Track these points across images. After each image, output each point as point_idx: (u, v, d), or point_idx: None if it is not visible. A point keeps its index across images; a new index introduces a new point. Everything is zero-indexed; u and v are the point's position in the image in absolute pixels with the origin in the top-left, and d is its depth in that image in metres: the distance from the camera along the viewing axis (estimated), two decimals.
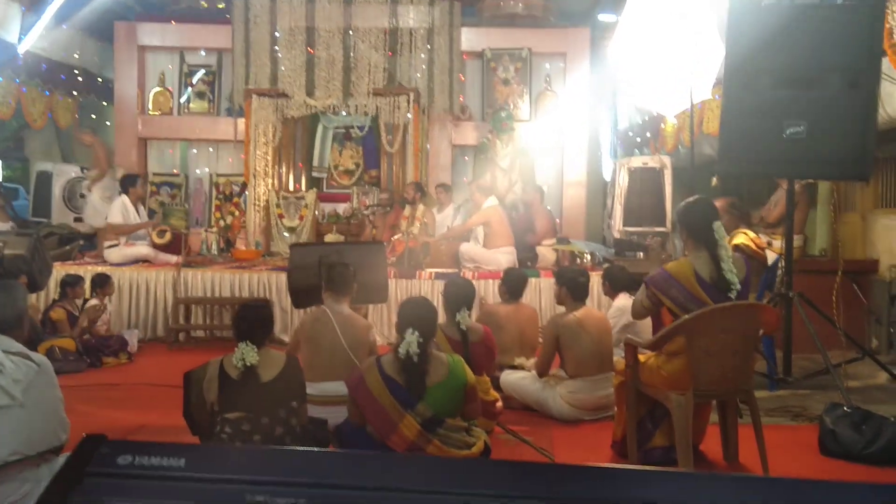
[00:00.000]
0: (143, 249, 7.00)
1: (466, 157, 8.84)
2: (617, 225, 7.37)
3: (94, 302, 5.95)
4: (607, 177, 9.05)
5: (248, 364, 3.17)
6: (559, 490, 0.93)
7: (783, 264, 4.97)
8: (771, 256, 5.37)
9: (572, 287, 4.54)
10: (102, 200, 7.92)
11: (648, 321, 4.20)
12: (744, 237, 5.24)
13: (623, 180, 7.31)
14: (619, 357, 4.10)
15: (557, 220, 8.30)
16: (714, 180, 6.18)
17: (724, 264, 3.48)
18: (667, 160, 7.30)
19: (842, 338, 4.99)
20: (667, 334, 3.54)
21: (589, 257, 7.27)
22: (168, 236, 7.20)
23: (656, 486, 0.92)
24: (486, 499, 0.91)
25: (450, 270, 6.74)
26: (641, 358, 3.75)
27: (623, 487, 0.92)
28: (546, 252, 7.29)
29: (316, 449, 1.02)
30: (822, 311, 4.92)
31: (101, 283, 6.05)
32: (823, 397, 4.52)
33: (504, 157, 7.99)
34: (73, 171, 8.78)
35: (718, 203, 4.18)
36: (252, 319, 3.30)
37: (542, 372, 4.53)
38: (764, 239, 5.59)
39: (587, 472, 0.93)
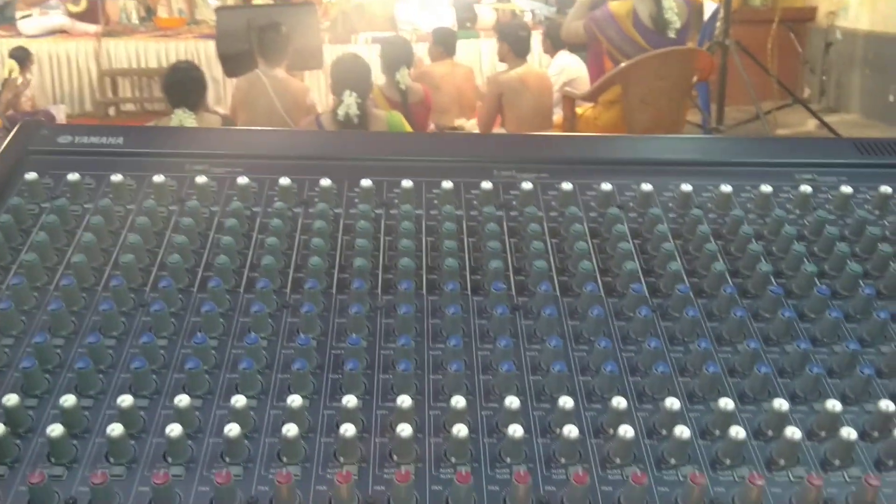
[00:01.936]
0: (58, 19, 6.61)
1: None
2: None
3: (15, 76, 5.69)
4: None
5: None
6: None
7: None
8: (711, 6, 5.29)
9: (514, 42, 4.46)
10: None
11: (587, 77, 4.19)
12: None
13: None
14: (559, 115, 4.13)
15: None
16: None
17: (665, 2, 3.44)
18: None
19: (775, 86, 5.07)
20: (603, 84, 3.55)
21: (530, 15, 7.08)
22: (83, 4, 6.77)
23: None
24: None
25: (387, 33, 6.51)
26: (579, 110, 3.79)
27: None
28: (486, 12, 7.06)
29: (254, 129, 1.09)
30: (758, 59, 4.95)
31: (21, 59, 5.76)
32: None
33: None
34: None
35: None
36: (184, 81, 3.21)
37: (485, 130, 4.56)
38: None
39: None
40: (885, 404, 0.67)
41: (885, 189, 0.91)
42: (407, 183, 0.90)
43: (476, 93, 5.04)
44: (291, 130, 2.88)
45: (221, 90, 6.33)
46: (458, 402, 0.66)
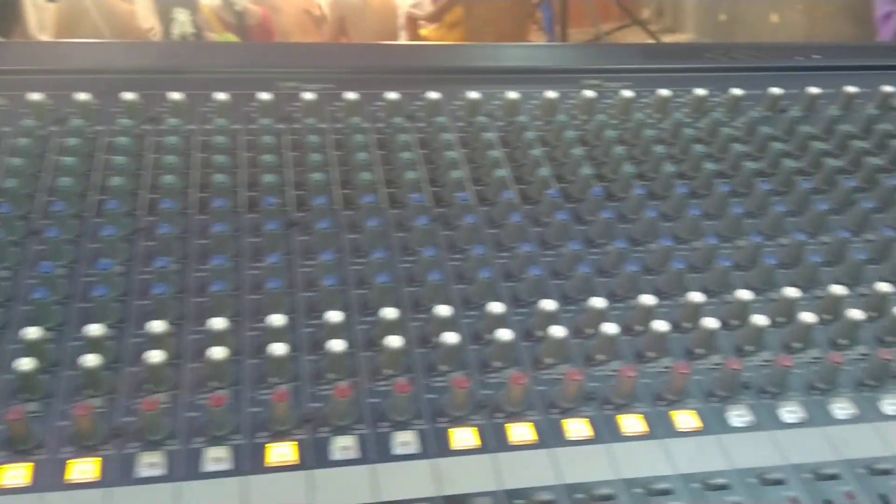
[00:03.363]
0: None
1: None
2: None
3: None
4: None
5: None
6: None
7: None
8: None
9: None
10: None
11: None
12: None
13: None
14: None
15: None
16: None
17: None
18: None
19: (615, 7, 5.19)
20: (446, 5, 3.50)
21: None
22: None
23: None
24: None
25: None
26: (423, 32, 3.73)
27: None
28: None
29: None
30: None
31: None
32: None
33: None
34: None
35: None
36: None
37: None
38: None
39: None
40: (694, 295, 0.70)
41: (664, 92, 0.93)
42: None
43: (319, 15, 4.87)
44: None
45: (46, 16, 5.79)
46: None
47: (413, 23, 3.83)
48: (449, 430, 0.61)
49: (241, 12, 3.93)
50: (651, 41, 5.58)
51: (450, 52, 1.04)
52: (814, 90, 0.94)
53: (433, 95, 0.88)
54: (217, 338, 0.62)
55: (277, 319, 0.63)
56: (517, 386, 0.62)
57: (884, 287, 0.72)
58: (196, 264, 0.70)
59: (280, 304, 0.67)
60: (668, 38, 5.66)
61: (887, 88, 0.95)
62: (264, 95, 0.85)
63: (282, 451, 0.59)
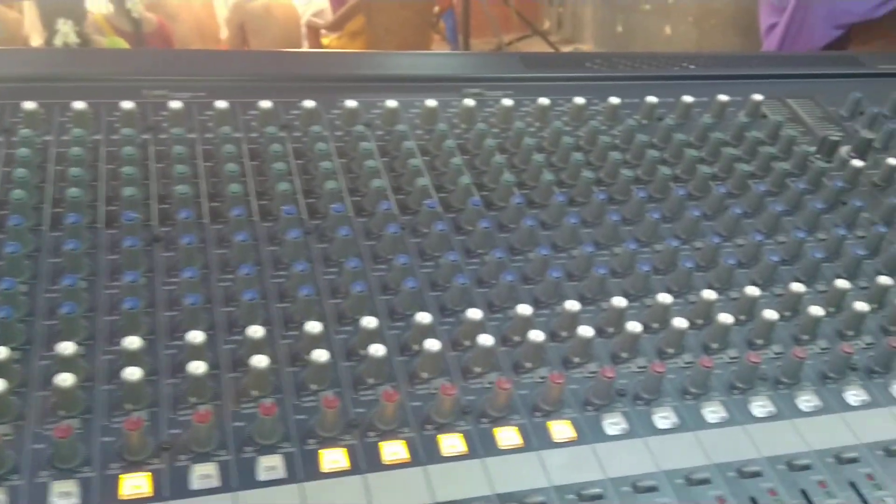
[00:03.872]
0: None
1: None
2: None
3: None
4: None
5: None
6: None
7: None
8: None
9: None
10: None
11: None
12: None
13: None
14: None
15: None
16: None
17: None
18: None
19: (516, 18, 5.26)
20: (347, 13, 3.48)
21: None
22: None
23: None
24: None
25: None
26: (325, 41, 3.70)
27: None
28: None
29: None
30: None
31: None
32: None
33: None
34: None
35: None
36: None
37: None
38: None
39: None
40: (571, 304, 0.70)
41: (544, 101, 0.93)
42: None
43: (218, 23, 4.76)
44: None
45: None
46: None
47: (314, 32, 3.79)
48: (319, 451, 0.59)
49: (137, 20, 3.81)
50: (550, 51, 5.66)
51: (328, 61, 1.01)
52: (688, 99, 0.96)
53: (309, 104, 0.86)
54: (65, 363, 0.58)
55: (133, 342, 0.60)
56: (389, 404, 0.60)
57: (753, 291, 0.73)
58: (47, 284, 0.66)
59: (138, 325, 0.63)
60: (567, 49, 5.77)
61: (757, 97, 0.98)
62: (127, 104, 0.81)
63: (135, 483, 0.55)
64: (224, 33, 4.55)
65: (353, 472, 0.58)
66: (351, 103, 0.87)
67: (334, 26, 3.60)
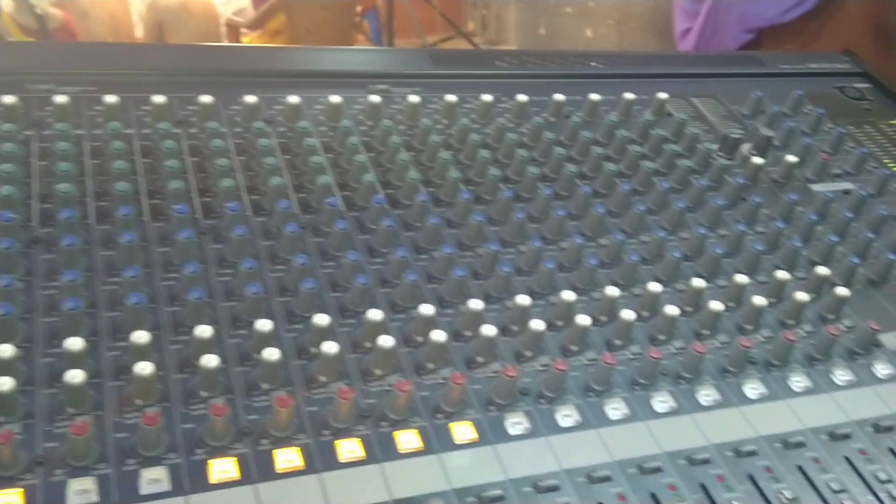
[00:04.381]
0: None
1: None
2: None
3: None
4: None
5: None
6: None
7: None
8: None
9: None
10: None
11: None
12: None
13: None
14: None
15: None
16: None
17: None
18: None
19: (440, 19, 5.26)
20: (267, 11, 3.42)
21: None
22: None
23: None
24: None
25: None
26: (245, 40, 3.63)
27: None
28: None
29: None
30: None
31: None
32: None
33: None
34: None
35: None
36: None
37: None
38: None
39: None
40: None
41: (451, 98, 0.92)
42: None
43: (132, 20, 4.61)
44: None
45: None
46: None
47: (234, 31, 3.71)
48: (208, 461, 0.56)
49: (41, 16, 3.66)
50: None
51: (228, 55, 0.97)
52: (595, 97, 0.96)
53: (206, 99, 0.82)
54: None
55: (5, 350, 0.56)
56: (283, 409, 0.58)
57: (655, 287, 0.74)
58: None
59: (14, 331, 0.59)
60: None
61: (662, 95, 0.99)
62: (8, 99, 0.76)
63: (7, 501, 0.51)
64: (139, 31, 4.41)
65: (243, 483, 0.55)
66: (251, 99, 0.84)
67: (254, 25, 3.53)
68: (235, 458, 0.56)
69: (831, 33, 1.59)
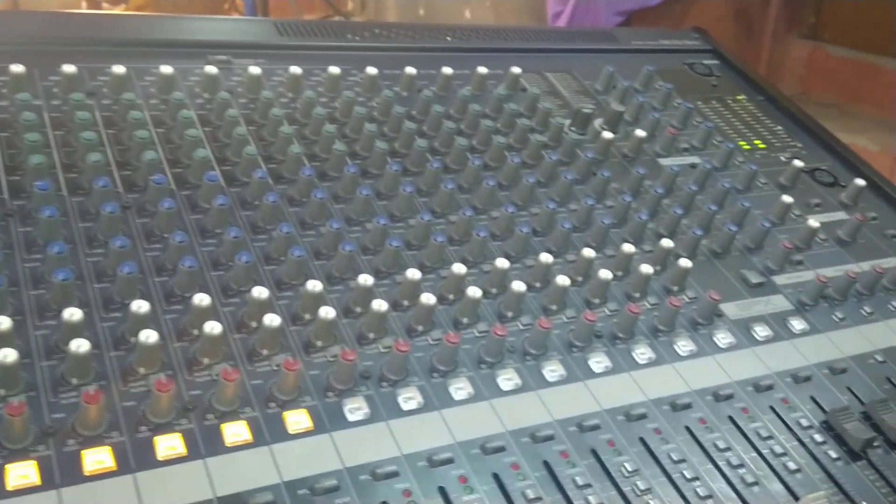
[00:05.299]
0: None
1: None
2: None
3: None
4: None
5: None
6: None
7: None
8: None
9: None
10: None
11: None
12: None
13: None
14: None
15: None
16: None
17: None
18: None
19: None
20: None
21: None
22: None
23: None
24: None
25: None
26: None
27: None
28: None
29: None
30: None
31: None
32: None
33: None
34: None
35: None
36: None
37: None
38: None
39: None
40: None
41: (296, 70, 0.88)
42: None
43: None
44: None
45: None
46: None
47: (96, 5, 3.48)
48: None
49: None
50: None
51: (56, 21, 0.89)
52: (448, 70, 0.94)
53: (69, 69, 0.77)
54: None
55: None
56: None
57: (503, 263, 0.72)
58: None
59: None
60: None
61: (516, 70, 0.98)
62: None
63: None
64: None
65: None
66: (69, 68, 0.77)
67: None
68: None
69: (696, 16, 1.65)
